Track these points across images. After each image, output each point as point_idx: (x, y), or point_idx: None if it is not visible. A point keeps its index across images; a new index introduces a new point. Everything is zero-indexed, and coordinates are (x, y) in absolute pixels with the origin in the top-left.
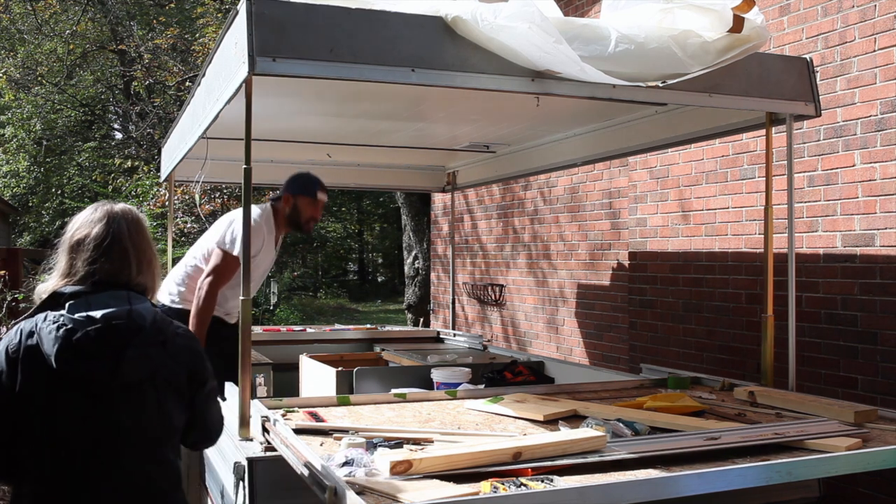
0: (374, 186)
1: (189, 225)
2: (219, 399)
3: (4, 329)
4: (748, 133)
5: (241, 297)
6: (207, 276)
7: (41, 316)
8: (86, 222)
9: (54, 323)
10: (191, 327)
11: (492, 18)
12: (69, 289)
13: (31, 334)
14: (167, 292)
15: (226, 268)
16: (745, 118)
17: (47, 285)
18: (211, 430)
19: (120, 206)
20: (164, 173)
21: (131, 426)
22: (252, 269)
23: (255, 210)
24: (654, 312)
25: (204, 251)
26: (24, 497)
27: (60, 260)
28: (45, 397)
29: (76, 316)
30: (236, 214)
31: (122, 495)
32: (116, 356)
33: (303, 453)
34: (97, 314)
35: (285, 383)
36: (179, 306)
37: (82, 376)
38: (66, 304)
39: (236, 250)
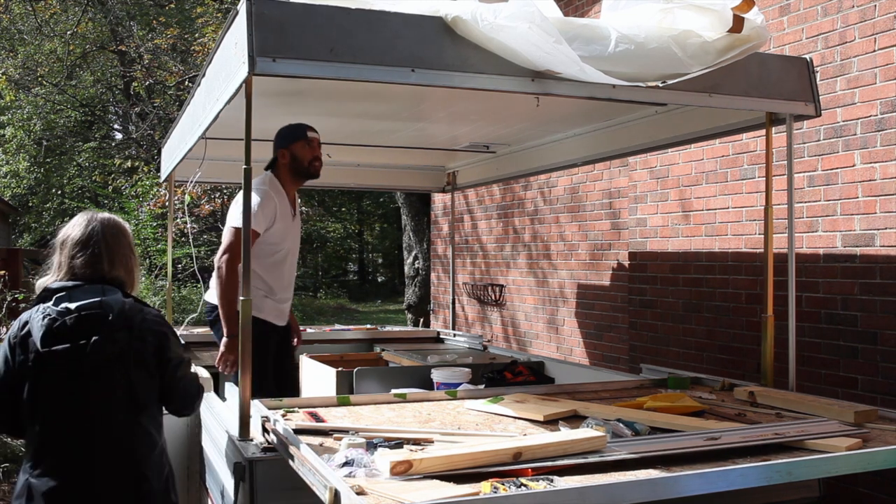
0: (374, 186)
1: (189, 225)
2: (194, 370)
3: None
4: (748, 133)
5: (241, 298)
6: (223, 254)
7: (35, 308)
8: (71, 226)
9: (42, 314)
10: (220, 311)
11: (492, 18)
12: (56, 285)
13: (25, 324)
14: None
15: (239, 242)
16: (745, 118)
17: (42, 281)
18: (185, 398)
19: (102, 215)
20: (164, 173)
21: (100, 398)
22: (278, 240)
23: (256, 180)
24: (654, 312)
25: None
26: (27, 448)
27: (53, 258)
28: (33, 374)
29: (59, 307)
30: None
31: (97, 453)
32: (86, 340)
33: (303, 453)
34: (73, 305)
35: None
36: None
37: (60, 357)
38: (53, 298)
39: (253, 224)
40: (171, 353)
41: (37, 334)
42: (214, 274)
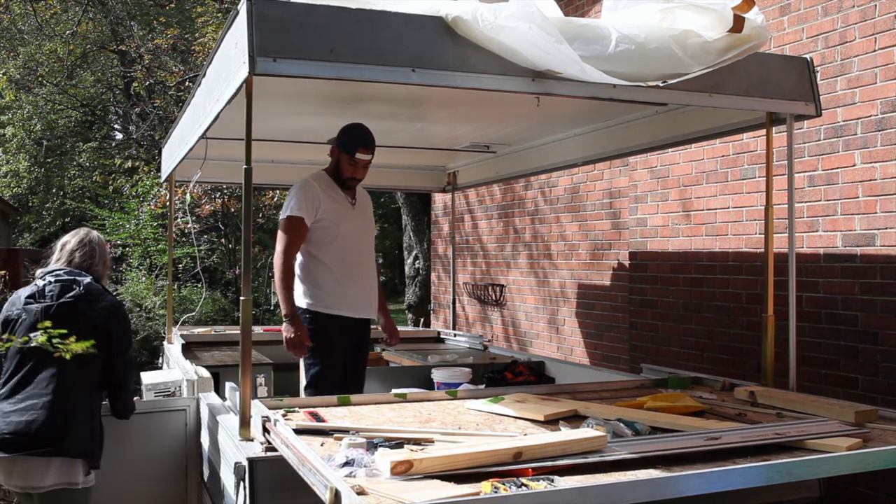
0: (374, 186)
1: (189, 225)
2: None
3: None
4: (748, 133)
5: (242, 298)
6: (279, 244)
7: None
8: (71, 234)
9: (32, 283)
10: (279, 295)
11: (492, 18)
12: (48, 268)
13: (19, 295)
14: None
15: (286, 230)
16: (745, 118)
17: (42, 270)
18: (127, 391)
19: (88, 231)
20: (164, 173)
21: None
22: (332, 224)
23: (305, 177)
24: (654, 312)
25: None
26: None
27: (54, 255)
28: (15, 328)
29: (40, 281)
30: (296, 183)
31: (43, 397)
32: (51, 302)
33: (303, 453)
34: (51, 279)
35: (285, 383)
36: (312, 309)
37: (33, 315)
38: (45, 275)
39: (289, 212)
40: (123, 343)
41: (22, 298)
42: (298, 278)
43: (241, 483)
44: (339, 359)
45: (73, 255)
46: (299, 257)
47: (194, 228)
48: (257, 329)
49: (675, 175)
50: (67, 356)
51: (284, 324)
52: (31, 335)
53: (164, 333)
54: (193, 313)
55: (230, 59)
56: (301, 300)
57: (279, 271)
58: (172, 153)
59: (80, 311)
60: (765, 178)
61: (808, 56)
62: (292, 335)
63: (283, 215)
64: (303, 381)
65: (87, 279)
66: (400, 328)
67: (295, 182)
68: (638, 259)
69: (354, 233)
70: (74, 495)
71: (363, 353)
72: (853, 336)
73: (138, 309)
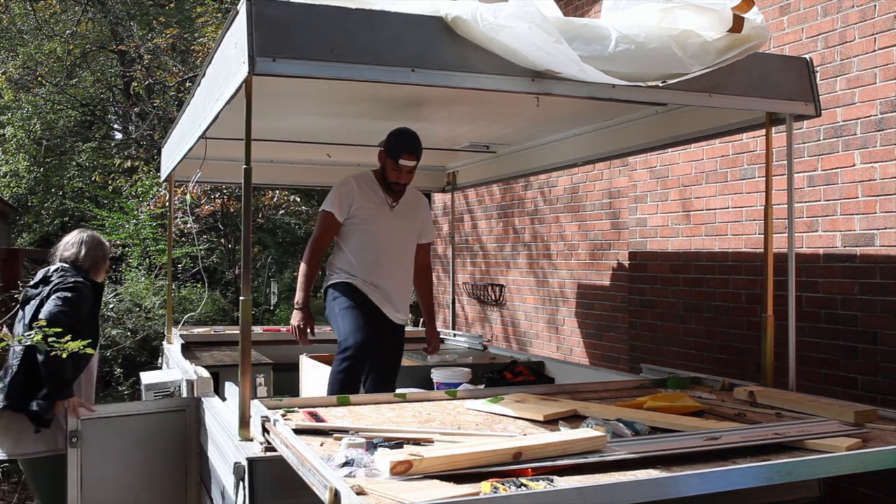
0: None
1: (190, 225)
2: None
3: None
4: (748, 133)
5: (242, 298)
6: (312, 236)
7: None
8: (70, 234)
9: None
10: (298, 282)
11: (492, 18)
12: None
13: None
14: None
15: (319, 222)
16: (745, 118)
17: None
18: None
19: (88, 231)
20: (164, 173)
21: (30, 322)
22: (364, 221)
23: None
24: (654, 312)
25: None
26: None
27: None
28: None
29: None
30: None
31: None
32: (33, 285)
33: (303, 453)
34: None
35: (285, 383)
36: (331, 283)
37: (28, 293)
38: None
39: (324, 206)
40: (50, 305)
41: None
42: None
43: (241, 483)
44: (368, 314)
45: (64, 252)
46: (333, 249)
47: (194, 228)
48: (257, 329)
49: (674, 175)
50: (64, 354)
51: (294, 311)
52: (26, 333)
53: (164, 333)
54: (194, 314)
55: (230, 59)
56: (328, 280)
57: (305, 258)
58: (172, 153)
59: (43, 295)
60: (764, 178)
61: (807, 56)
62: (300, 323)
63: (321, 209)
64: (304, 384)
65: (62, 266)
66: None
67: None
68: (637, 259)
69: (388, 233)
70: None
71: (392, 356)
72: (853, 336)
73: (138, 309)
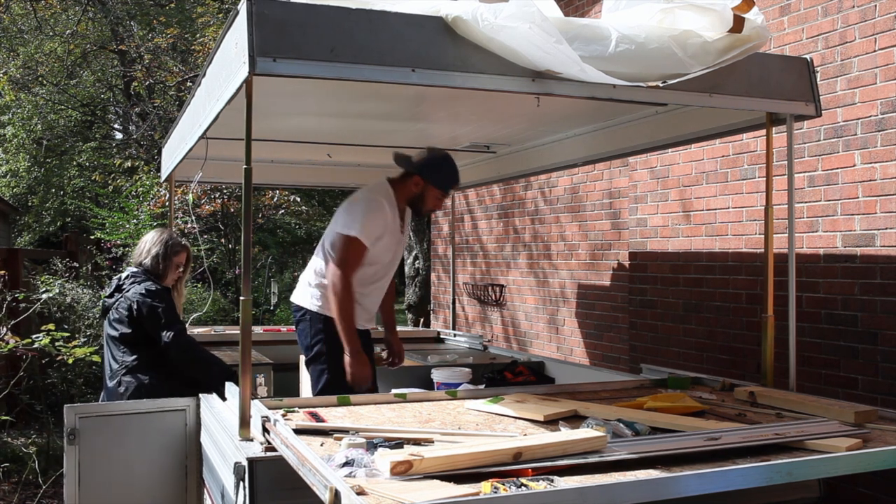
0: None
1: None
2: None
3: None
4: (748, 133)
5: (242, 298)
6: (337, 267)
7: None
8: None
9: None
10: (340, 327)
11: (492, 18)
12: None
13: None
14: (309, 295)
15: (349, 249)
16: (745, 118)
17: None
18: None
19: (160, 230)
20: (164, 173)
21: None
22: (377, 258)
23: (374, 190)
24: (654, 312)
25: (328, 245)
26: None
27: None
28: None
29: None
30: (358, 196)
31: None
32: (110, 294)
33: (303, 453)
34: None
35: (285, 383)
36: (325, 313)
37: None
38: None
39: (356, 233)
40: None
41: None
42: (316, 283)
43: (241, 483)
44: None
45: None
46: (324, 264)
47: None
48: (257, 329)
49: (674, 175)
50: (70, 360)
51: (348, 357)
52: (34, 337)
53: None
54: (200, 314)
55: (230, 59)
56: (314, 303)
57: (338, 295)
58: (172, 153)
59: (117, 303)
60: (765, 179)
61: (808, 56)
62: (357, 371)
63: (348, 230)
64: (304, 384)
65: (133, 271)
66: (400, 328)
67: (363, 190)
68: (638, 259)
69: (392, 256)
70: None
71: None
72: (853, 336)
73: None
